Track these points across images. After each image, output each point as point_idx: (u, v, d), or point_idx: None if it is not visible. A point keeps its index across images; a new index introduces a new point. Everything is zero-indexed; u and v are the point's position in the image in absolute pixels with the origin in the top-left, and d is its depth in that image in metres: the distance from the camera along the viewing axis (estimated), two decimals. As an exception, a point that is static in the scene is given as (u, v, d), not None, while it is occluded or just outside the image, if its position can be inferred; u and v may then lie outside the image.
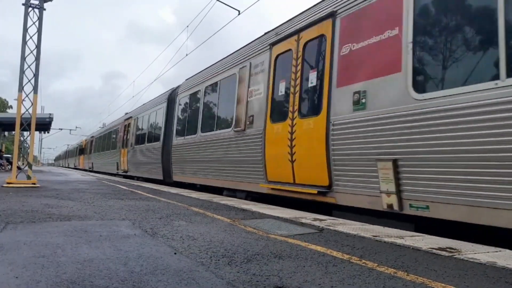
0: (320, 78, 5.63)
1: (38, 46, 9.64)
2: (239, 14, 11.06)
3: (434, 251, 2.85)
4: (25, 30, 9.44)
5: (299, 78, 6.04)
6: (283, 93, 6.44)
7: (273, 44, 6.91)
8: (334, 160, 5.17)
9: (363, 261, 2.53)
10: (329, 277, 2.14)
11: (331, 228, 3.86)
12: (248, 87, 7.53)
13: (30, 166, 9.87)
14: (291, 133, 6.01)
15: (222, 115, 8.92)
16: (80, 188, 8.92)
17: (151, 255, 2.54)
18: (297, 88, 6.04)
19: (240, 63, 8.09)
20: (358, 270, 2.30)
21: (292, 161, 5.95)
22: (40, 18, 9.62)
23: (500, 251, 2.93)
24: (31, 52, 9.56)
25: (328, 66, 5.44)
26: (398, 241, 3.22)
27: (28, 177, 9.47)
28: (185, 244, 2.92)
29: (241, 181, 7.58)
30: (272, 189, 6.52)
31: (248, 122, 7.38)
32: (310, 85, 5.83)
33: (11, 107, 51.24)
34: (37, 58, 9.62)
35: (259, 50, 7.43)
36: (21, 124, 9.61)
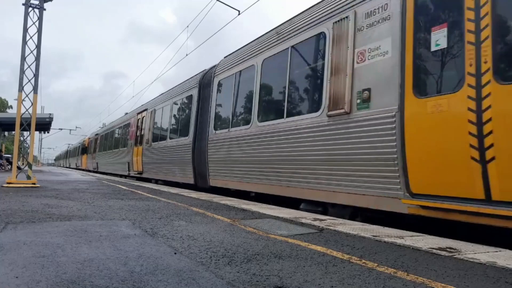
0: None
1: (38, 46, 9.64)
2: (239, 14, 11.07)
3: (434, 251, 2.85)
4: (25, 30, 9.44)
5: (488, 15, 3.64)
6: (442, 46, 4.10)
7: None
8: None
9: (363, 261, 2.53)
10: (329, 277, 2.14)
11: (331, 228, 3.86)
12: (354, 47, 5.18)
13: (30, 166, 9.87)
14: (479, 111, 3.64)
15: (297, 95, 6.57)
16: (80, 188, 8.92)
17: (151, 255, 2.54)
18: (486, 33, 3.64)
19: (336, 15, 5.64)
20: (358, 270, 2.30)
21: (484, 162, 3.56)
22: (40, 18, 9.62)
23: (500, 251, 2.93)
24: (31, 52, 9.57)
25: None
26: (398, 241, 3.22)
27: (28, 177, 9.47)
28: (185, 244, 2.92)
29: (341, 190, 5.19)
30: (424, 207, 4.12)
31: (359, 101, 5.00)
32: None
33: (11, 107, 51.28)
34: (37, 58, 9.62)
35: None
36: (21, 124, 9.62)
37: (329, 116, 5.43)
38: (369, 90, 4.85)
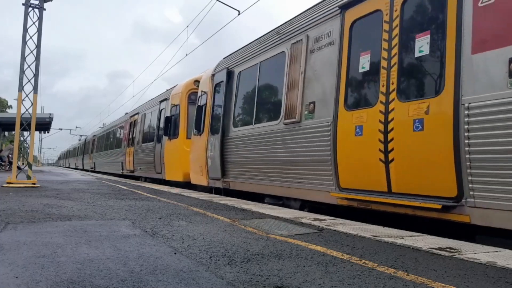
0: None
1: (38, 46, 9.64)
2: (239, 14, 11.07)
3: (434, 251, 2.85)
4: (25, 30, 9.44)
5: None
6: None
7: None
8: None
9: (363, 261, 2.53)
10: (329, 277, 2.14)
11: (331, 228, 3.86)
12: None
13: (30, 166, 9.87)
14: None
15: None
16: (80, 188, 8.92)
17: (151, 255, 2.54)
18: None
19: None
20: (358, 270, 2.30)
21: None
22: (40, 18, 9.62)
23: (500, 251, 2.93)
24: (31, 52, 9.57)
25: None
26: (398, 241, 3.22)
27: (28, 177, 9.47)
28: (185, 244, 2.92)
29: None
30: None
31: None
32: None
33: (10, 107, 51.25)
34: (37, 58, 9.62)
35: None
36: (21, 124, 9.62)
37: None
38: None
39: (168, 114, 12.06)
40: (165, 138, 11.90)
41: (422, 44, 4.26)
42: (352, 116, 4.90)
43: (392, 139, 4.35)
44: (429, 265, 2.44)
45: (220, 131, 8.19)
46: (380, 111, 4.53)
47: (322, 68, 5.62)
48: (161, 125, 12.61)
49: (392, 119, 4.39)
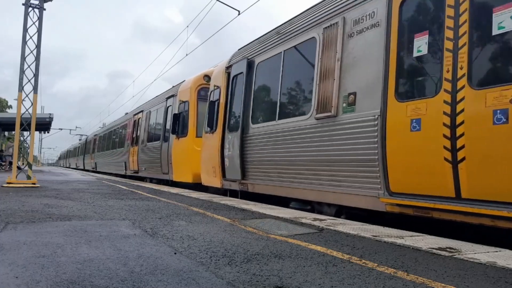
0: None
1: (38, 46, 9.64)
2: (239, 14, 11.08)
3: (434, 251, 2.85)
4: (25, 30, 9.44)
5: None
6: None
7: None
8: None
9: (363, 261, 2.53)
10: (329, 277, 2.14)
11: (331, 228, 3.86)
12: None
13: (30, 166, 9.87)
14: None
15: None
16: (80, 188, 8.92)
17: (151, 255, 2.54)
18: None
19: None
20: (358, 270, 2.30)
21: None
22: (40, 18, 9.62)
23: (500, 251, 2.93)
24: (31, 52, 9.57)
25: None
26: (398, 241, 3.22)
27: (28, 177, 9.47)
28: (185, 244, 2.92)
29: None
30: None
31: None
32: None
33: (10, 107, 51.24)
34: (37, 58, 9.62)
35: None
36: (21, 124, 9.62)
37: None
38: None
39: (176, 111, 11.41)
40: (172, 137, 11.30)
41: (503, 19, 3.54)
42: (406, 108, 4.19)
43: (462, 135, 3.66)
44: (429, 265, 2.44)
45: (240, 128, 7.39)
46: (445, 101, 3.84)
47: (364, 53, 4.88)
48: (168, 123, 12.05)
49: (461, 111, 3.69)
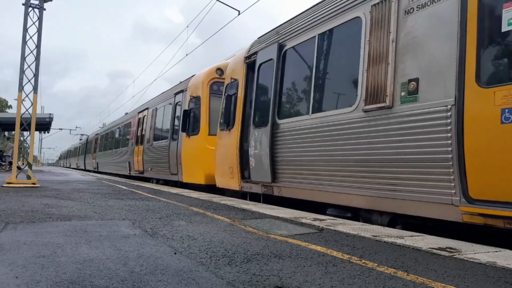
0: None
1: (38, 46, 9.64)
2: (239, 14, 11.09)
3: (434, 251, 2.85)
4: (25, 30, 9.45)
5: None
6: None
7: None
8: None
9: (363, 261, 2.53)
10: (329, 277, 2.14)
11: (331, 228, 3.86)
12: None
13: (30, 166, 9.87)
14: None
15: None
16: (80, 188, 8.92)
17: (151, 255, 2.54)
18: None
19: None
20: (358, 270, 2.30)
21: None
22: (40, 18, 9.63)
23: (500, 251, 2.93)
24: (31, 52, 9.57)
25: None
26: (398, 241, 3.22)
27: (28, 177, 9.47)
28: (185, 244, 2.92)
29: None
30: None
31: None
32: None
33: (10, 107, 51.25)
34: (37, 58, 9.62)
35: None
36: (21, 124, 9.62)
37: None
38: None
39: (186, 108, 10.61)
40: (182, 135, 10.53)
41: None
42: (494, 95, 3.41)
43: None
44: (429, 265, 2.44)
45: (269, 123, 6.47)
46: None
47: (429, 32, 4.13)
48: (176, 120, 11.42)
49: None
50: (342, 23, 5.36)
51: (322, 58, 5.78)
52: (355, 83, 4.96)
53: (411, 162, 4.11)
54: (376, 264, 2.44)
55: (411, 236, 3.50)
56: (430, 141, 3.90)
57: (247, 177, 7.16)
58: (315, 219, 4.45)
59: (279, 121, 6.38)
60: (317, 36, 5.83)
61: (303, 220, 4.34)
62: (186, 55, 14.84)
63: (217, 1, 11.16)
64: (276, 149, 6.36)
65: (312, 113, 5.67)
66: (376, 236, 3.44)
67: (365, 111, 4.69)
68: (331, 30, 5.60)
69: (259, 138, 6.79)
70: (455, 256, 2.68)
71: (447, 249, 2.91)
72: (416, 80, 4.17)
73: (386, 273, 2.25)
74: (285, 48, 6.58)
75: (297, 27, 6.35)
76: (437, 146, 3.84)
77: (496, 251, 2.91)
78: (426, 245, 3.04)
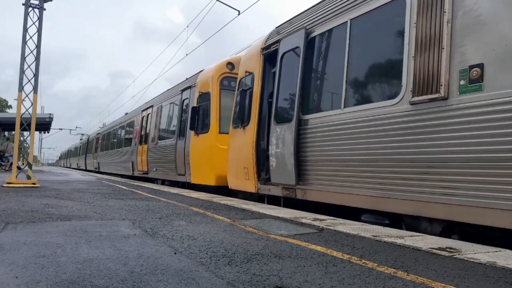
0: None
1: (38, 46, 9.64)
2: (239, 14, 11.09)
3: (434, 251, 2.85)
4: (25, 30, 9.45)
5: None
6: None
7: None
8: None
9: (363, 261, 2.53)
10: (329, 277, 2.14)
11: (331, 228, 3.86)
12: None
13: (30, 166, 9.87)
14: None
15: None
16: (80, 188, 8.92)
17: (151, 255, 2.55)
18: None
19: None
20: (358, 270, 2.30)
21: None
22: (40, 18, 9.63)
23: (500, 251, 2.93)
24: (31, 52, 9.57)
25: None
26: (398, 241, 3.22)
27: (28, 177, 9.47)
28: (185, 244, 2.92)
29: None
30: None
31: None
32: None
33: (10, 107, 51.27)
34: (37, 58, 9.62)
35: None
36: (21, 124, 9.62)
37: None
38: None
39: (194, 104, 9.98)
40: (190, 133, 9.91)
41: None
42: None
43: None
44: (429, 265, 2.44)
45: (294, 118, 5.82)
46: None
47: (496, 9, 3.52)
48: (183, 118, 10.80)
49: None
50: (383, 4, 4.73)
51: (357, 44, 5.16)
52: (399, 72, 4.37)
53: (473, 163, 3.55)
54: (376, 264, 2.44)
55: (411, 236, 3.50)
56: (500, 137, 3.33)
57: (264, 179, 6.62)
58: (315, 219, 4.45)
59: (306, 117, 5.73)
60: (348, 22, 5.24)
61: (303, 220, 4.34)
62: (186, 55, 14.85)
63: (217, 1, 11.16)
64: (302, 148, 5.72)
65: (345, 107, 5.08)
66: (376, 236, 3.44)
67: (413, 103, 4.11)
68: (367, 13, 4.99)
69: (281, 135, 6.13)
70: (455, 256, 2.68)
71: (447, 249, 2.91)
72: (481, 66, 3.58)
73: (386, 273, 2.25)
74: (313, 34, 5.93)
75: (327, 12, 5.70)
76: (508, 143, 3.27)
77: (496, 251, 2.91)
78: (426, 245, 3.05)
